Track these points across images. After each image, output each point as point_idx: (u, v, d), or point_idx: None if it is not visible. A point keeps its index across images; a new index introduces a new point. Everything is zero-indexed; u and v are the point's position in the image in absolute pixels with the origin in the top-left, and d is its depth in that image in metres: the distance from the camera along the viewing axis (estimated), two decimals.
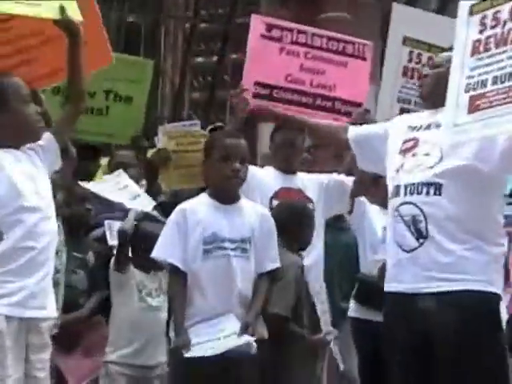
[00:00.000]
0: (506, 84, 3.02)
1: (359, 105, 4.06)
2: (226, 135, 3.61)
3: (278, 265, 3.46)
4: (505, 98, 3.00)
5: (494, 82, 3.08)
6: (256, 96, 3.91)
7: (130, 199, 3.98)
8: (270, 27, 4.00)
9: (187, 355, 3.15)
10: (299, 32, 4.05)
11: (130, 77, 4.35)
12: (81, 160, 4.71)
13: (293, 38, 4.02)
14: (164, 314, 3.96)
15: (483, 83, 3.10)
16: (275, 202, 3.93)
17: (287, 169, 4.13)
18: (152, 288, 4.01)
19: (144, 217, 4.10)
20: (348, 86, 4.06)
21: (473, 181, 3.19)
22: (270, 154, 4.28)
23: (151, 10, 16.13)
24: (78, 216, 4.17)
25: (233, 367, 3.24)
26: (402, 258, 3.23)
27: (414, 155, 3.30)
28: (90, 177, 4.76)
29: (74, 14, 3.29)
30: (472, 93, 3.10)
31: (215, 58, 15.78)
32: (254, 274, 3.40)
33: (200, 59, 17.06)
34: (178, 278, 3.32)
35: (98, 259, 4.22)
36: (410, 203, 3.21)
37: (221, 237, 3.33)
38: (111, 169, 4.63)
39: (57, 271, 3.58)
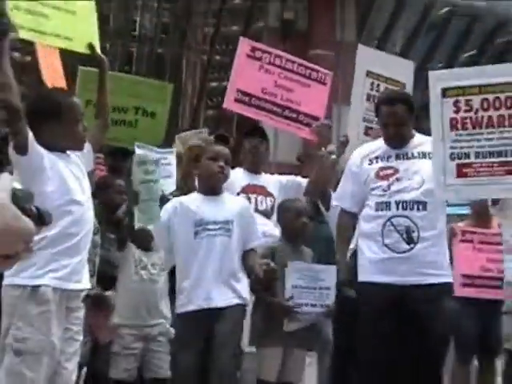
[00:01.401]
0: (488, 160, 3.20)
1: (318, 119, 4.11)
2: (213, 143, 3.69)
3: (259, 242, 3.49)
4: (490, 171, 3.19)
5: (477, 156, 3.23)
6: (237, 100, 3.97)
7: None
8: (253, 49, 4.08)
9: None
10: (276, 56, 4.12)
11: (155, 97, 4.40)
12: (116, 160, 4.75)
13: (270, 60, 4.08)
14: (158, 285, 3.95)
15: (466, 155, 3.24)
16: (242, 196, 3.94)
17: (253, 169, 4.15)
18: (147, 263, 3.97)
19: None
20: (310, 103, 4.11)
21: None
22: (243, 157, 4.27)
23: (176, 44, 16.12)
24: (115, 205, 4.17)
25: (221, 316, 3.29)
26: (391, 258, 3.35)
27: (398, 180, 3.43)
28: (122, 172, 4.79)
29: (97, 47, 3.41)
30: (458, 161, 3.25)
31: (226, 84, 15.80)
32: (238, 250, 3.42)
33: (214, 84, 17.05)
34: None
35: (118, 239, 4.23)
36: (404, 216, 3.34)
37: (206, 220, 3.37)
38: None
39: (96, 246, 3.63)
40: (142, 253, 3.98)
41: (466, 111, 3.27)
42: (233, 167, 4.18)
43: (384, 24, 19.45)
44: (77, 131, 3.04)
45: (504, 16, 20.06)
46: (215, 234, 3.37)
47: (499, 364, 4.96)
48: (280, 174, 4.34)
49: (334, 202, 3.73)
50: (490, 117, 3.23)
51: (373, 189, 3.46)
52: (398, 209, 3.35)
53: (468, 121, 3.26)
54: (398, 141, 3.53)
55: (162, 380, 3.85)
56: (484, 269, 4.89)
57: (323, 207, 4.27)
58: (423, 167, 3.40)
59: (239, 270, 3.41)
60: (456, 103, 3.30)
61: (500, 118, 3.22)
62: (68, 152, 3.05)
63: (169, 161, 4.24)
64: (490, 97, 3.24)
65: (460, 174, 3.25)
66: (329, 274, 3.42)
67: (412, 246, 3.33)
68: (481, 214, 5.09)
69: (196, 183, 3.64)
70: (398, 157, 3.47)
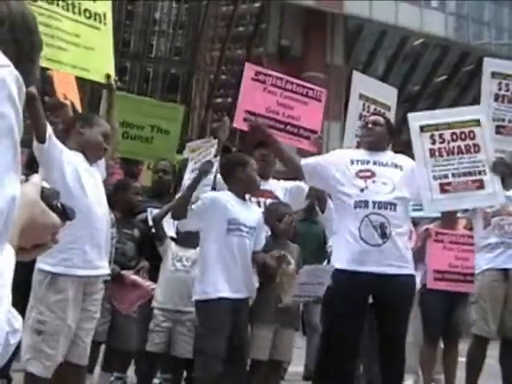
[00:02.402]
0: (463, 179, 3.66)
1: (315, 132, 4.12)
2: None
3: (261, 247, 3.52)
4: (465, 187, 3.65)
5: (453, 176, 3.67)
6: (245, 120, 3.97)
7: None
8: (257, 73, 4.06)
9: None
10: (277, 78, 4.10)
11: (168, 116, 4.43)
12: (131, 166, 4.75)
13: (272, 82, 4.07)
14: (190, 275, 3.87)
15: (445, 176, 3.67)
16: (253, 199, 3.95)
17: (262, 175, 4.14)
18: (182, 256, 3.96)
19: None
20: (308, 118, 4.10)
21: (406, 204, 3.57)
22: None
23: (187, 65, 16.12)
24: (132, 204, 4.15)
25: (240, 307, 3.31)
26: (366, 249, 3.40)
27: (374, 182, 3.52)
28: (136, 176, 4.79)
29: (112, 75, 3.42)
30: (439, 181, 3.66)
31: (230, 100, 15.78)
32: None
33: (219, 100, 17.05)
34: None
35: (142, 234, 4.22)
36: (379, 214, 3.43)
37: (240, 222, 3.39)
38: (154, 172, 4.70)
39: (113, 238, 3.60)
40: (178, 248, 3.97)
41: (440, 143, 3.67)
42: None
43: (368, 51, 19.49)
44: (98, 144, 3.02)
45: (469, 47, 20.12)
46: (245, 235, 3.39)
47: (463, 346, 4.94)
48: (278, 180, 4.31)
49: (302, 162, 3.72)
50: (459, 146, 3.66)
51: (352, 186, 3.49)
52: (374, 207, 3.42)
53: (443, 150, 3.66)
54: (377, 147, 3.65)
55: (183, 360, 3.84)
56: (452, 265, 4.90)
57: (319, 209, 4.27)
58: (394, 175, 3.53)
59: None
60: (432, 137, 3.67)
61: (466, 147, 3.65)
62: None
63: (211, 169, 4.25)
64: (457, 131, 3.66)
65: (443, 190, 3.61)
66: (326, 273, 3.42)
67: (384, 240, 3.39)
68: (449, 218, 5.10)
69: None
70: (375, 163, 3.57)
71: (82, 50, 3.33)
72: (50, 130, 2.82)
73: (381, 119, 3.76)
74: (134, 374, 4.22)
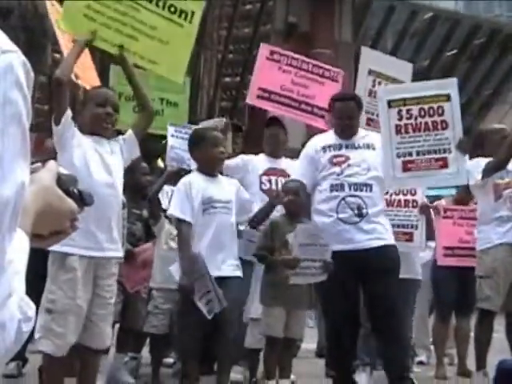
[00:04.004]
0: (427, 156, 3.58)
1: (330, 111, 4.08)
2: (212, 129, 3.67)
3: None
4: (428, 166, 3.58)
5: (417, 154, 3.61)
6: (259, 97, 3.95)
7: None
8: (272, 52, 4.06)
9: None
10: (293, 58, 4.09)
11: (176, 88, 4.40)
12: (146, 146, 4.71)
13: (288, 62, 4.05)
14: None
15: (409, 153, 3.62)
16: (264, 178, 3.95)
17: (274, 154, 4.14)
18: (175, 234, 3.90)
19: None
20: (323, 98, 4.07)
21: (382, 183, 3.63)
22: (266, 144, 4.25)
23: (194, 45, 16.03)
24: (141, 185, 4.15)
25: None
26: (346, 229, 3.51)
27: (349, 166, 3.59)
28: (149, 157, 4.78)
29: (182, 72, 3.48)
30: (403, 158, 3.61)
31: (238, 79, 15.72)
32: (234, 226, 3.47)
33: (227, 79, 16.98)
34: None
35: (151, 215, 4.22)
36: (356, 196, 3.53)
37: (213, 199, 3.38)
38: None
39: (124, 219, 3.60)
40: (172, 226, 3.96)
41: (407, 118, 3.60)
42: (254, 153, 4.17)
43: (376, 26, 19.26)
44: (96, 115, 2.98)
45: (480, 20, 19.82)
46: (222, 211, 3.38)
47: (473, 321, 4.94)
48: (287, 158, 4.30)
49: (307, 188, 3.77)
50: (426, 123, 3.59)
51: (328, 174, 3.56)
52: (350, 189, 3.51)
53: (409, 126, 3.59)
54: (348, 132, 3.65)
55: None
56: (462, 240, 4.88)
57: None
58: (368, 157, 3.59)
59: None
60: (399, 112, 3.60)
61: (434, 123, 3.58)
62: (106, 138, 3.02)
63: None
64: (426, 106, 3.58)
65: (405, 168, 3.57)
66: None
67: (361, 219, 3.49)
68: (464, 196, 5.05)
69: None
70: (347, 147, 3.60)
71: (154, 42, 3.31)
72: (68, 113, 2.86)
73: (349, 105, 3.70)
74: (148, 354, 4.28)
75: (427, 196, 5.29)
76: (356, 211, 3.49)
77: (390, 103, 3.62)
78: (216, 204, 3.36)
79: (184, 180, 3.47)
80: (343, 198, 3.50)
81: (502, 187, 4.43)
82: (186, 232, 3.33)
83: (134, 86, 3.20)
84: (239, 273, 3.42)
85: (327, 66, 4.17)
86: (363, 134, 3.68)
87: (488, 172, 4.41)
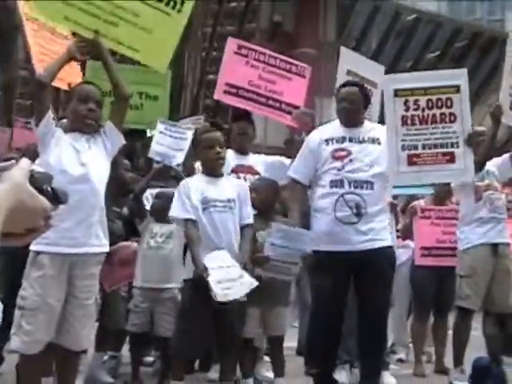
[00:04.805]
0: (433, 151, 3.36)
1: (298, 107, 4.07)
2: (207, 130, 3.57)
3: (251, 221, 3.43)
4: (434, 160, 3.35)
5: (423, 148, 3.39)
6: (226, 92, 3.91)
7: None
8: (240, 47, 4.02)
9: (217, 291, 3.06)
10: (260, 53, 4.06)
11: (155, 82, 4.31)
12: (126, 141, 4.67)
13: (255, 56, 4.02)
14: (164, 252, 3.88)
15: (415, 147, 3.39)
16: (232, 175, 3.89)
17: (241, 151, 4.08)
18: (157, 232, 3.92)
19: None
20: (291, 94, 4.06)
21: (384, 180, 3.48)
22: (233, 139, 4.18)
23: (179, 41, 15.96)
24: (121, 182, 4.11)
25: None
26: (343, 229, 3.38)
27: (351, 161, 3.44)
28: (131, 154, 4.74)
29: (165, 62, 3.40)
30: (408, 152, 3.39)
31: None
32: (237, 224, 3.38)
33: (212, 76, 16.92)
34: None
35: (131, 213, 4.19)
36: (355, 194, 3.37)
37: (212, 199, 3.34)
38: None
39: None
40: (156, 224, 3.94)
41: (414, 109, 3.39)
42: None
43: (360, 27, 19.32)
44: (77, 112, 2.95)
45: (462, 23, 19.98)
46: (222, 210, 3.34)
47: (451, 319, 4.99)
48: (269, 155, 4.27)
49: (289, 173, 3.65)
50: (433, 115, 3.37)
51: (328, 168, 3.45)
52: (350, 187, 3.36)
53: (416, 118, 3.38)
54: (349, 117, 3.51)
55: (164, 339, 3.82)
56: (439, 240, 4.92)
57: None
58: (372, 152, 3.43)
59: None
60: (406, 102, 3.40)
61: (442, 116, 3.35)
62: (88, 134, 2.97)
63: (186, 136, 4.21)
64: (434, 97, 3.37)
65: (410, 162, 3.37)
66: (307, 238, 3.39)
67: (359, 218, 3.36)
68: (441, 194, 5.10)
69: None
70: (351, 140, 3.46)
71: (136, 30, 3.22)
72: (49, 114, 2.84)
73: (353, 91, 3.61)
74: (127, 352, 4.24)
75: (406, 196, 5.32)
76: (354, 210, 3.34)
77: (396, 92, 3.41)
78: (215, 203, 3.34)
79: (184, 182, 3.47)
80: (342, 195, 3.35)
81: (482, 189, 4.48)
82: (193, 230, 3.30)
83: (108, 71, 3.11)
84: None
85: (295, 62, 4.14)
86: (369, 128, 3.52)
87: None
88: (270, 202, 3.72)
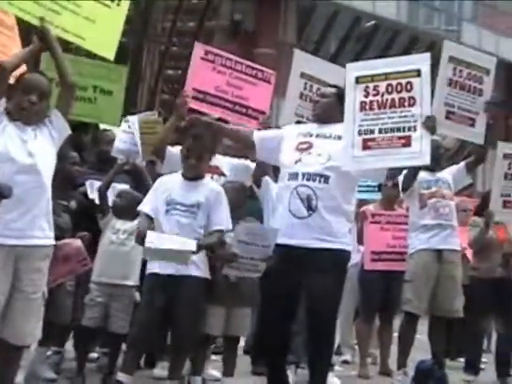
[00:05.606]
0: (389, 134, 3.28)
1: (264, 113, 4.10)
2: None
3: (222, 227, 3.42)
4: (389, 144, 3.27)
5: (380, 132, 3.31)
6: (193, 98, 3.92)
7: None
8: (206, 52, 4.02)
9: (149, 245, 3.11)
10: (227, 58, 4.07)
11: (111, 77, 4.32)
12: (76, 135, 4.60)
13: (222, 62, 4.03)
14: (125, 249, 3.86)
15: (371, 131, 3.32)
16: None
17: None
18: (120, 229, 3.90)
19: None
20: (257, 99, 4.09)
21: (345, 177, 3.38)
22: None
23: (138, 35, 15.75)
24: (68, 174, 4.05)
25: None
26: (294, 223, 3.34)
27: (309, 154, 3.42)
28: (80, 147, 4.67)
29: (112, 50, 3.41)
30: (364, 136, 3.32)
31: (180, 72, 15.57)
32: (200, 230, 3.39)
33: (170, 71, 16.79)
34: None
35: (80, 206, 4.14)
36: (307, 186, 3.33)
37: (176, 201, 3.37)
38: (97, 142, 4.68)
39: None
40: (118, 220, 3.91)
41: (373, 95, 3.35)
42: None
43: (320, 30, 19.49)
44: (18, 103, 2.88)
45: (419, 32, 20.38)
46: (182, 214, 3.36)
47: (396, 322, 5.10)
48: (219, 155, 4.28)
49: (254, 135, 3.65)
50: (392, 99, 3.31)
51: (288, 161, 3.46)
52: (303, 179, 3.35)
53: (375, 103, 3.34)
54: (316, 110, 3.57)
55: (116, 335, 3.80)
56: (389, 245, 5.02)
57: (256, 185, 4.27)
58: (334, 147, 3.41)
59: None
60: (366, 89, 3.37)
61: (401, 100, 3.29)
62: (31, 125, 2.90)
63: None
64: (394, 82, 3.31)
65: (365, 147, 3.31)
66: (272, 235, 3.37)
67: (310, 212, 3.31)
68: (390, 198, 5.20)
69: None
70: (318, 136, 3.48)
71: (80, 19, 3.26)
72: (1, 102, 2.77)
73: (328, 91, 3.68)
74: (72, 348, 4.18)
75: (362, 200, 5.39)
76: (306, 203, 3.31)
77: (357, 79, 3.39)
78: (177, 206, 3.35)
79: (160, 179, 3.51)
80: (295, 188, 3.34)
81: (427, 197, 4.62)
82: (142, 223, 3.38)
83: (55, 59, 3.04)
84: (198, 272, 3.39)
85: (260, 67, 4.18)
86: (340, 127, 3.48)
87: (408, 181, 4.62)
88: (239, 203, 3.73)
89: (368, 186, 5.51)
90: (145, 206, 3.41)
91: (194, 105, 3.88)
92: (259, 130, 3.96)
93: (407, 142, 3.24)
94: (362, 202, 5.25)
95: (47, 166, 2.92)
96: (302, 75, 4.25)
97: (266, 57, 12.70)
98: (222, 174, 4.06)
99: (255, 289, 3.64)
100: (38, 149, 2.88)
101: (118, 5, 3.42)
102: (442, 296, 4.59)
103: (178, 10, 16.00)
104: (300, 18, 18.40)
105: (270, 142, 3.59)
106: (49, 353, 3.99)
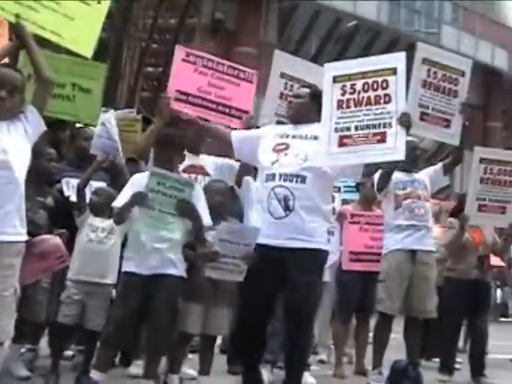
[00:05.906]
0: (365, 131, 3.34)
1: (247, 112, 4.09)
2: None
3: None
4: (365, 140, 3.33)
5: (356, 129, 3.37)
6: (176, 99, 3.91)
7: None
8: (188, 54, 4.01)
9: None
10: (208, 60, 4.07)
11: (90, 75, 4.30)
12: (54, 132, 4.57)
13: (204, 63, 4.03)
14: (104, 247, 3.84)
15: (347, 128, 3.38)
16: (184, 175, 3.92)
17: (195, 151, 4.12)
18: (98, 227, 3.87)
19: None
20: (239, 99, 4.09)
21: (322, 177, 3.43)
22: None
23: (118, 31, 15.64)
24: (45, 171, 4.01)
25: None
26: (272, 223, 3.38)
27: (286, 155, 3.47)
28: (58, 143, 4.62)
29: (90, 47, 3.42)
30: (340, 133, 3.38)
31: (161, 69, 15.52)
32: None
33: (150, 69, 16.72)
34: None
35: (56, 203, 4.10)
36: (284, 187, 3.38)
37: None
38: (75, 139, 4.60)
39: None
40: (96, 218, 3.87)
41: (350, 93, 3.41)
42: None
43: (301, 31, 19.56)
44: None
45: (400, 34, 20.55)
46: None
47: (373, 322, 5.14)
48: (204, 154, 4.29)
49: (232, 135, 3.73)
50: (368, 97, 3.36)
51: (265, 162, 3.50)
52: (280, 180, 3.39)
53: (351, 101, 3.40)
54: (291, 111, 3.62)
55: (92, 332, 3.77)
56: (367, 246, 5.05)
57: (237, 185, 4.28)
58: (310, 147, 3.45)
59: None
60: (343, 87, 3.43)
61: (377, 98, 3.35)
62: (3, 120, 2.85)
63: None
64: (370, 80, 3.37)
65: (341, 143, 3.37)
66: (252, 234, 3.41)
67: (287, 212, 3.36)
68: (368, 198, 5.23)
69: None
70: (294, 136, 3.53)
71: (58, 16, 3.26)
72: None
73: (302, 91, 3.70)
74: (46, 345, 4.15)
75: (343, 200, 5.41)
76: (283, 203, 3.36)
77: (335, 79, 3.46)
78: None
79: (136, 175, 3.50)
80: (273, 189, 3.39)
81: (402, 198, 4.66)
82: (114, 218, 3.41)
83: (30, 54, 3.00)
84: (175, 270, 3.37)
85: (242, 67, 4.19)
86: (316, 127, 3.53)
87: (382, 181, 4.66)
88: (222, 203, 3.73)
89: (347, 187, 5.56)
90: (119, 202, 3.39)
91: (177, 106, 3.88)
92: (244, 129, 3.99)
93: (382, 138, 3.28)
94: (341, 203, 5.29)
95: (20, 162, 2.87)
96: (282, 75, 4.28)
97: (247, 55, 12.70)
98: (207, 174, 4.08)
99: (234, 288, 3.64)
100: (12, 144, 2.84)
101: (99, 3, 3.42)
102: (416, 297, 4.64)
103: (159, 6, 15.93)
104: (281, 18, 18.45)
105: (247, 143, 3.63)
106: (23, 350, 3.96)
